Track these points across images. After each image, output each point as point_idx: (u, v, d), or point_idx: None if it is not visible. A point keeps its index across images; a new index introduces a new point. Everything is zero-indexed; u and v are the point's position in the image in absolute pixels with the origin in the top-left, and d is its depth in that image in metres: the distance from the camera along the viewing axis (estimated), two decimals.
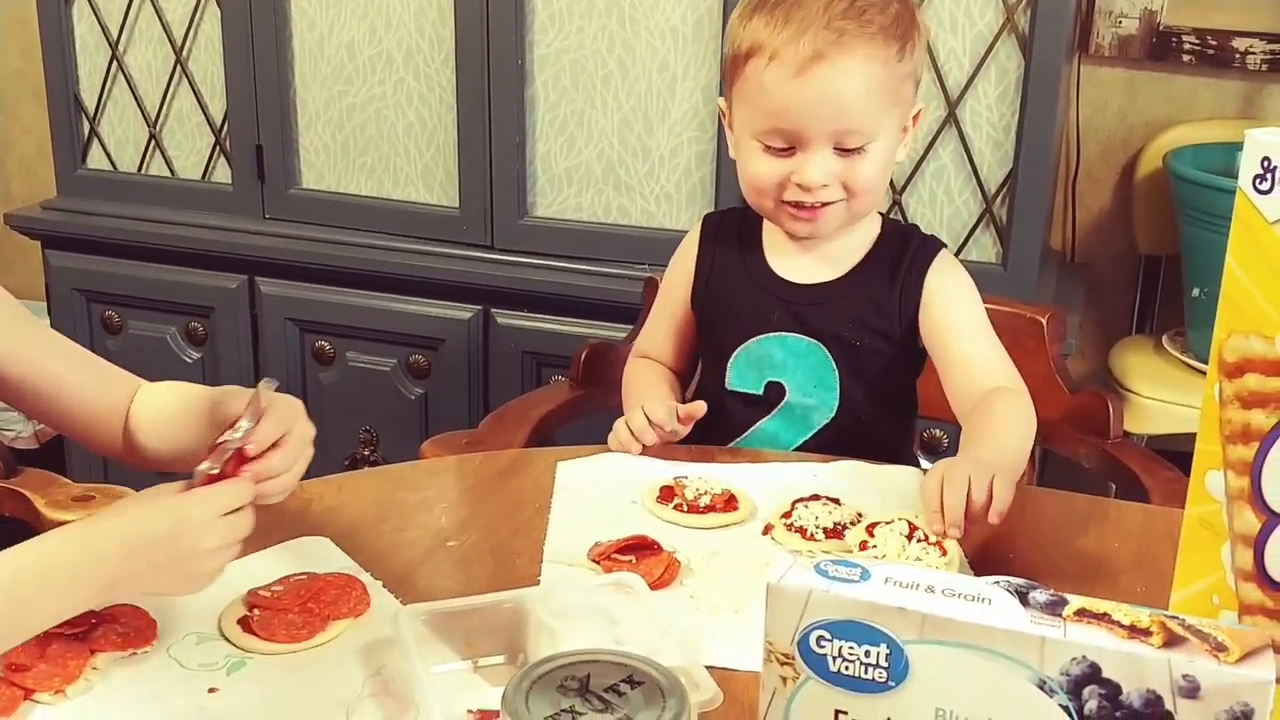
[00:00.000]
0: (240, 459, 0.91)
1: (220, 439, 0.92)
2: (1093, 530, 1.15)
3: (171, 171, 2.29)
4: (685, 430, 1.27)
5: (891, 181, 1.94)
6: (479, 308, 2.13)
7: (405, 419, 2.20)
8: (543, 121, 2.06)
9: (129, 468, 1.11)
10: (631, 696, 0.65)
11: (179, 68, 2.21)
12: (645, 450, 1.26)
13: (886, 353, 1.32)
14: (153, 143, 2.28)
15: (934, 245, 1.34)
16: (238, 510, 0.89)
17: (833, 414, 1.33)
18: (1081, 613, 0.69)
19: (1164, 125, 2.24)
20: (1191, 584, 0.87)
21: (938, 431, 1.91)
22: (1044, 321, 1.54)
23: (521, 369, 2.14)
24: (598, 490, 1.18)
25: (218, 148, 2.25)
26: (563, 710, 0.63)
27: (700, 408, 1.26)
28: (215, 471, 0.90)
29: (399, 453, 2.04)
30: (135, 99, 2.26)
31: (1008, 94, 1.88)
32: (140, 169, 2.31)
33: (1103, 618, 0.69)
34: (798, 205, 1.26)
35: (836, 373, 1.32)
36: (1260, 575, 0.81)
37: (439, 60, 2.07)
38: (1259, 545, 0.81)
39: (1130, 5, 2.22)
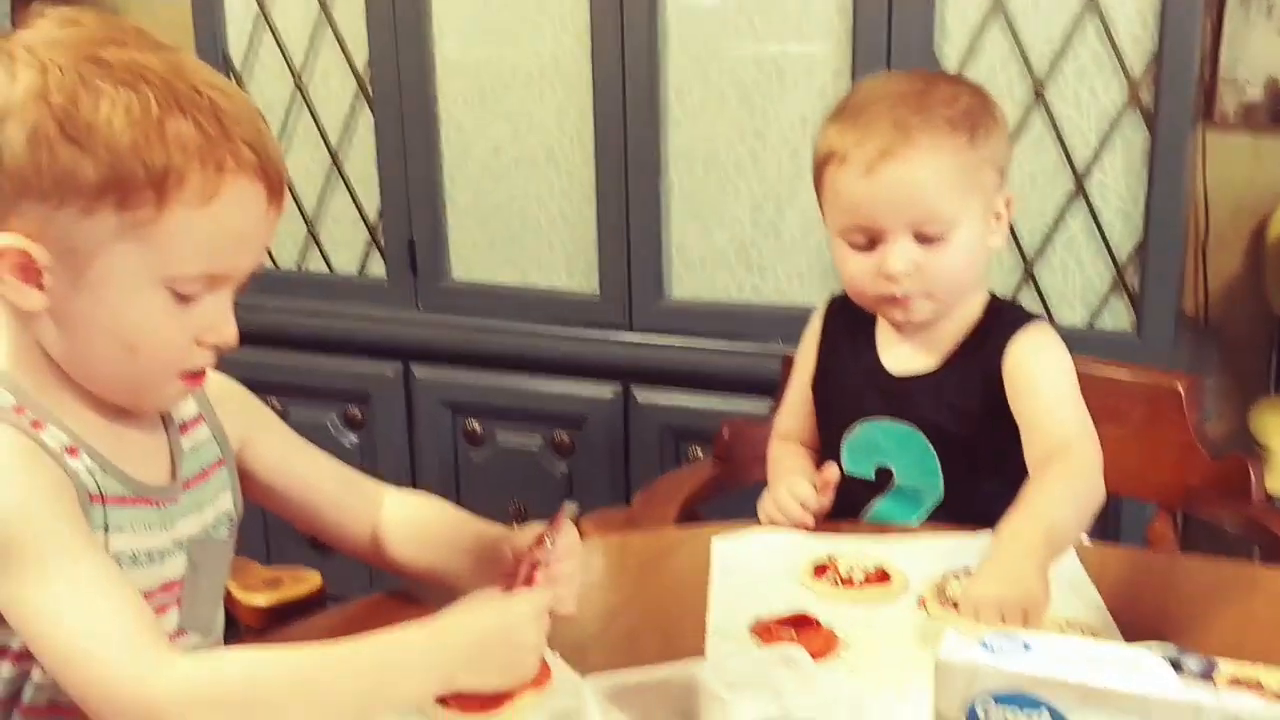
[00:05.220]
0: (533, 569, 1.05)
1: (536, 553, 1.07)
2: (1240, 596, 1.17)
3: (329, 266, 2.43)
4: (828, 501, 1.32)
5: (1022, 253, 1.99)
6: (620, 385, 2.21)
7: (552, 495, 2.29)
8: (678, 208, 2.15)
9: (377, 568, 1.21)
10: None
11: (335, 169, 2.36)
12: (796, 524, 1.32)
13: (986, 436, 1.33)
14: (310, 240, 2.43)
15: (1021, 318, 1.35)
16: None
17: (940, 496, 1.36)
18: (1232, 679, 0.74)
19: None
20: None
21: None
22: (1181, 390, 1.56)
23: (661, 444, 2.21)
24: (753, 567, 1.24)
25: (372, 243, 2.38)
26: None
27: (832, 470, 1.31)
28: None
29: None
30: (294, 199, 2.40)
31: (1134, 166, 1.91)
32: (299, 266, 2.45)
33: (1253, 684, 0.73)
34: (891, 298, 1.31)
35: (937, 459, 1.35)
36: None
37: (579, 158, 2.18)
38: None
39: (1253, 73, 2.24)
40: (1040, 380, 1.30)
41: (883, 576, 1.19)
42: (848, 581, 1.18)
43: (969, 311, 1.37)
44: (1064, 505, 1.16)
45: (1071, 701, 0.75)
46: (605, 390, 2.22)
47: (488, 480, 2.33)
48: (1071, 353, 1.34)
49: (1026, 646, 0.78)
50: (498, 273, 2.30)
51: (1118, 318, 1.98)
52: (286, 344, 2.40)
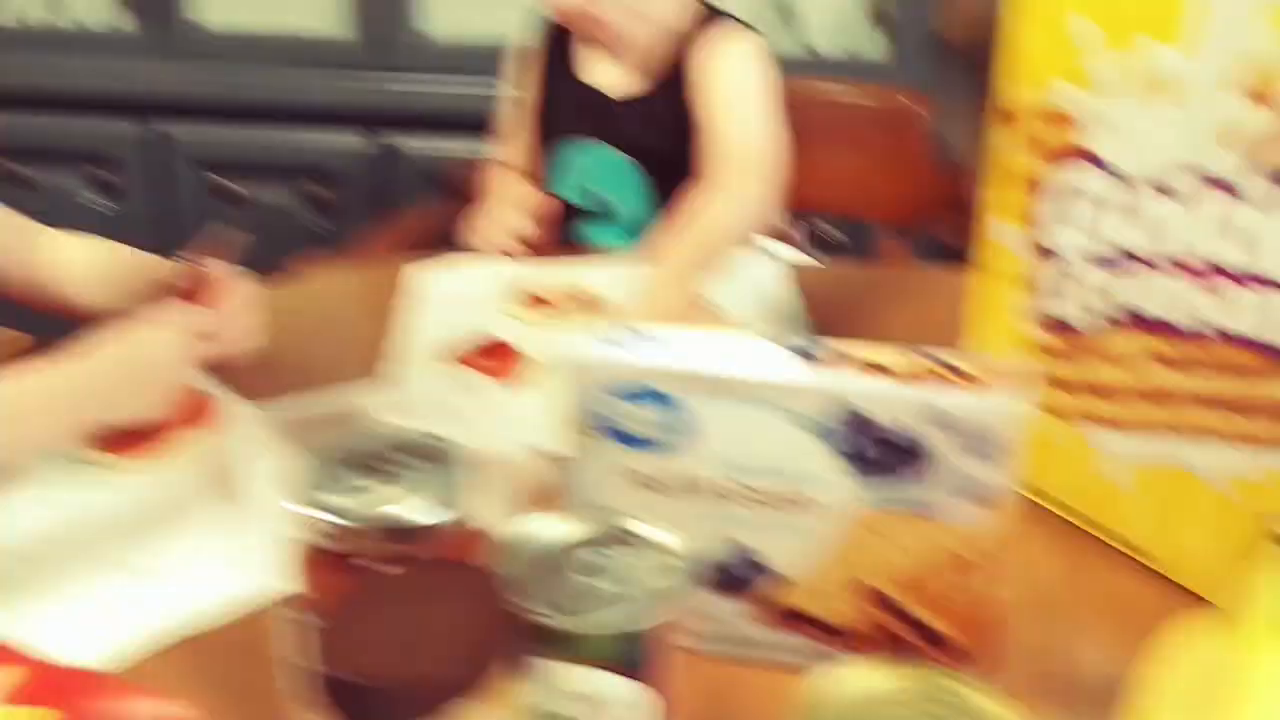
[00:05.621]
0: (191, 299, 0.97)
1: (181, 279, 0.99)
2: (923, 298, 1.17)
3: (69, 19, 2.24)
4: (540, 229, 1.29)
5: None
6: (381, 134, 2.12)
7: (315, 249, 2.21)
8: None
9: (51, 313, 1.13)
10: (408, 462, 0.66)
11: None
12: (505, 253, 1.28)
13: (698, 156, 1.29)
14: None
15: (714, 24, 1.30)
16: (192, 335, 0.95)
17: (654, 221, 1.32)
18: (848, 359, 0.73)
19: None
20: (980, 328, 0.91)
21: (832, 229, 1.92)
22: (914, 106, 1.55)
23: (427, 195, 2.14)
24: (450, 295, 1.21)
25: None
26: (339, 482, 0.64)
27: (543, 198, 1.28)
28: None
29: None
30: None
31: None
32: (38, 20, 2.25)
33: (867, 363, 0.72)
34: (589, 17, 1.26)
35: (649, 184, 1.33)
36: (1043, 316, 0.85)
37: None
38: (1041, 287, 0.85)
39: None
40: (727, 86, 1.26)
41: (584, 299, 1.17)
42: (547, 304, 1.16)
43: (676, 27, 1.31)
44: (722, 219, 1.14)
45: (693, 392, 0.73)
46: (365, 140, 2.13)
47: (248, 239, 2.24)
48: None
49: (650, 339, 0.75)
50: (249, 19, 2.15)
51: (875, 46, 1.95)
52: (30, 104, 2.23)
